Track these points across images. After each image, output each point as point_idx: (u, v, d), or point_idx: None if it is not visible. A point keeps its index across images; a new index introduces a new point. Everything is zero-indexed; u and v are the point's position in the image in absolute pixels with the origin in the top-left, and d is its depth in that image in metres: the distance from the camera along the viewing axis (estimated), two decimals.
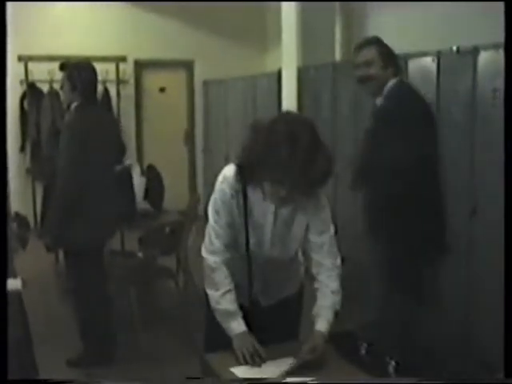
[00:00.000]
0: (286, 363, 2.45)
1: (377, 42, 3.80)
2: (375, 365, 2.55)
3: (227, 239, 2.59)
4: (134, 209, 5.13)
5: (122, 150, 4.72)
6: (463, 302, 4.35)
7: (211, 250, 2.61)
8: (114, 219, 4.40)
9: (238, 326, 2.56)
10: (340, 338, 2.72)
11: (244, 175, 2.51)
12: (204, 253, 2.63)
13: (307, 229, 2.62)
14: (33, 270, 5.65)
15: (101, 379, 3.88)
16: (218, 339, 2.61)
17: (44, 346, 3.97)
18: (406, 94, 3.68)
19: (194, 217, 5.65)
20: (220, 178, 2.59)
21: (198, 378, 2.63)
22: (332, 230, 2.65)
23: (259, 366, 2.46)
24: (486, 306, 4.06)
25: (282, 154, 2.26)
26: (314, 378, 2.33)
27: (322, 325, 2.56)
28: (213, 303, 2.60)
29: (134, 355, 4.55)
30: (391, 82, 3.68)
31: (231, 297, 2.58)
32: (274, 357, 2.49)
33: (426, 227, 3.56)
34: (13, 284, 2.97)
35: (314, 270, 2.66)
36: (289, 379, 2.34)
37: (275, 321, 2.72)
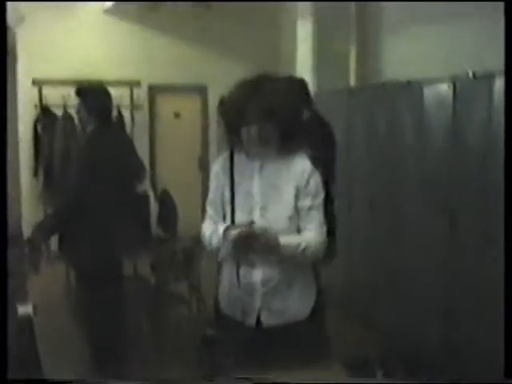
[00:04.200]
0: None
1: None
2: None
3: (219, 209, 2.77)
4: (150, 233, 5.15)
5: (141, 171, 4.74)
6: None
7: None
8: (129, 242, 4.37)
9: (222, 226, 2.68)
10: (356, 366, 2.69)
11: (230, 141, 2.73)
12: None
13: (297, 196, 2.66)
14: (45, 295, 5.61)
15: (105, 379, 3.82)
16: None
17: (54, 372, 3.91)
18: None
19: None
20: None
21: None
22: (321, 196, 2.70)
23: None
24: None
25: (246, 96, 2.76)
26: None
27: (284, 239, 2.60)
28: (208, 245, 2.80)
29: (146, 381, 4.49)
30: None
31: (218, 229, 2.70)
32: None
33: None
34: (24, 310, 2.94)
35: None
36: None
37: (278, 346, 2.58)
